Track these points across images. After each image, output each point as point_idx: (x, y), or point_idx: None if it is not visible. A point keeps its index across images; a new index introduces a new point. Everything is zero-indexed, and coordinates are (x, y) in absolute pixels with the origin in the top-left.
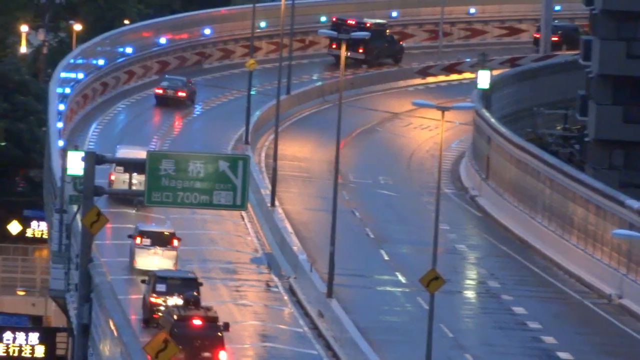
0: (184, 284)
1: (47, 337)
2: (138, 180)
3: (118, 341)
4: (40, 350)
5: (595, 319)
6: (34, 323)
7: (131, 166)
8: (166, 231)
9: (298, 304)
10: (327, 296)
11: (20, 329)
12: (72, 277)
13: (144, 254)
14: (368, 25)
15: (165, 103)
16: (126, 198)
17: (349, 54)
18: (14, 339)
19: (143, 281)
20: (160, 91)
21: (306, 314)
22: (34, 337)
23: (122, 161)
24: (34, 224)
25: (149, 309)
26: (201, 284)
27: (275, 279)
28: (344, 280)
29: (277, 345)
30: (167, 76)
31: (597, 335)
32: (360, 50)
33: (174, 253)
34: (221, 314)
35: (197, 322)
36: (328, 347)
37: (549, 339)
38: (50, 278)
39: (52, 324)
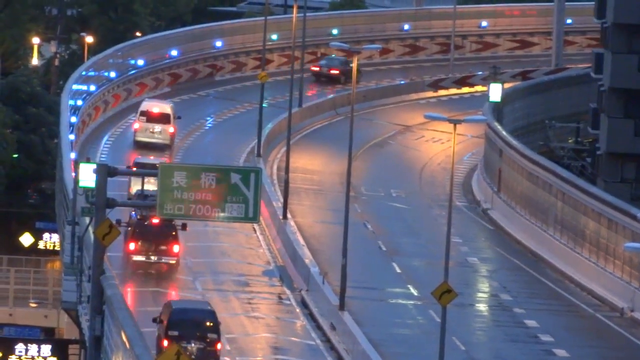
0: None
1: (60, 349)
2: (161, 128)
3: (130, 353)
4: None
5: (607, 332)
6: (46, 335)
7: (155, 120)
8: (159, 164)
9: (310, 316)
10: (339, 309)
11: (32, 341)
12: (84, 289)
13: (139, 182)
14: None
15: (321, 79)
16: (151, 144)
17: None
18: (26, 350)
19: (130, 199)
20: (317, 68)
21: (318, 327)
22: (46, 349)
23: (133, 174)
24: (46, 236)
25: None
26: None
27: (288, 291)
28: (356, 292)
29: (289, 357)
30: (327, 56)
31: (609, 348)
32: None
33: None
34: (233, 326)
35: (155, 221)
36: (340, 359)
37: (561, 352)
38: (62, 290)
39: (65, 336)
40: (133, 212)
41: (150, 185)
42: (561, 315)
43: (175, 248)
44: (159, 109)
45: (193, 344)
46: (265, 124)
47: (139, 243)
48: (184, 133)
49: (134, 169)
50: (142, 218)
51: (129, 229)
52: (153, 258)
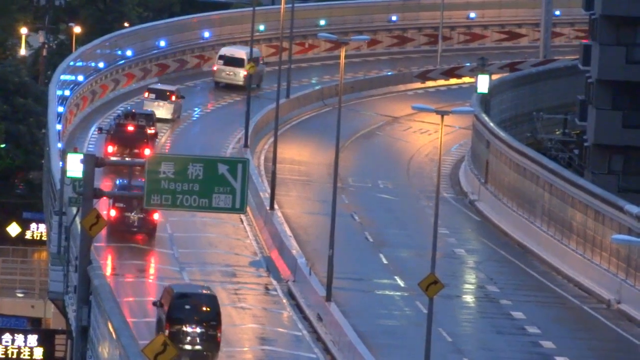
0: (145, 117)
1: (46, 339)
2: (235, 70)
3: (117, 343)
4: (38, 353)
5: (593, 324)
6: (32, 325)
7: (231, 63)
8: (168, 89)
9: (297, 307)
10: (325, 300)
11: (19, 331)
12: (71, 279)
13: (150, 104)
14: None
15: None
16: (227, 84)
17: None
18: (13, 340)
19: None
20: None
21: (305, 318)
22: (32, 339)
23: (120, 164)
24: (33, 226)
25: None
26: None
27: (274, 282)
28: (343, 283)
29: (276, 348)
30: None
31: (596, 340)
32: None
33: (171, 105)
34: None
35: (130, 128)
36: (327, 350)
37: (548, 344)
38: (49, 280)
39: (51, 326)
40: (113, 121)
41: (160, 108)
42: (548, 307)
43: (147, 151)
44: (234, 54)
45: None
46: (253, 115)
47: (116, 146)
48: (171, 123)
49: (147, 93)
50: (120, 125)
51: (108, 135)
52: (127, 159)
